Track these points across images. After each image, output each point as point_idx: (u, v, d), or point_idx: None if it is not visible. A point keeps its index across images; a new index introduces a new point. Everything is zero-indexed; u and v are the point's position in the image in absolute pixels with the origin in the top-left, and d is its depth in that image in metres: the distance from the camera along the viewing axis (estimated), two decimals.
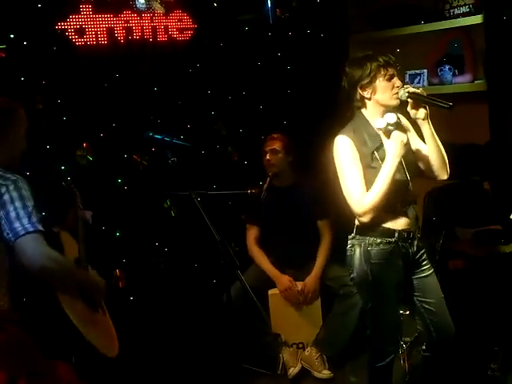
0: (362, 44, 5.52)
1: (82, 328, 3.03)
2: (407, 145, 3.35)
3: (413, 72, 5.62)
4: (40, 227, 2.80)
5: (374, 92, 3.38)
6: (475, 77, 5.37)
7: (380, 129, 3.30)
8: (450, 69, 5.44)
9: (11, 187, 2.83)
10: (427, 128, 3.40)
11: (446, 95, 5.23)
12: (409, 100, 3.35)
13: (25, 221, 2.77)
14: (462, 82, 5.41)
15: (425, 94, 3.35)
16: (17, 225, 2.76)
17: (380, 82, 3.36)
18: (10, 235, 2.76)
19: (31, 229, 2.77)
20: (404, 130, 3.36)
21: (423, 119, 3.38)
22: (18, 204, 2.81)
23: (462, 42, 5.46)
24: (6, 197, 2.82)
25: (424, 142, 3.47)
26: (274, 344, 4.64)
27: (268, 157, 4.80)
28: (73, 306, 3.08)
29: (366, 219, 3.33)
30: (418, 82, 5.60)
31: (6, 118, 3.04)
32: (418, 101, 3.34)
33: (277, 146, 4.81)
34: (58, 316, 3.02)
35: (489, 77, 5.11)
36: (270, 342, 4.63)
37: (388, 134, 3.30)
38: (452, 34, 5.48)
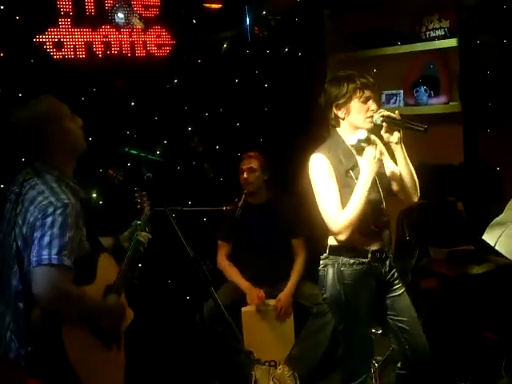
0: (339, 64, 5.57)
1: (79, 369, 2.87)
2: (380, 161, 3.37)
3: (389, 92, 5.66)
4: (67, 262, 2.74)
5: (348, 113, 3.41)
6: (450, 98, 5.43)
7: (352, 145, 3.34)
8: (425, 90, 5.49)
9: (59, 211, 2.78)
10: (400, 151, 3.43)
11: (422, 116, 5.31)
12: (383, 124, 3.37)
13: (54, 251, 2.72)
14: (437, 104, 5.47)
15: (400, 118, 3.36)
16: (44, 252, 2.71)
17: (355, 104, 3.39)
18: (34, 259, 2.71)
19: (55, 262, 2.71)
20: (375, 145, 3.37)
21: (396, 143, 3.40)
22: (56, 231, 2.75)
23: (438, 64, 5.52)
24: (49, 219, 2.76)
25: (396, 164, 3.50)
26: (246, 361, 4.63)
27: (245, 175, 4.81)
28: (77, 342, 2.92)
29: (342, 237, 3.34)
30: (394, 103, 5.65)
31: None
32: (393, 124, 3.36)
33: (253, 164, 4.83)
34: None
35: (463, 99, 5.17)
36: (243, 360, 4.62)
37: (360, 150, 3.33)
38: (428, 56, 5.55)
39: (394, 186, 3.56)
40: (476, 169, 5.07)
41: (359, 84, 3.38)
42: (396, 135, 3.38)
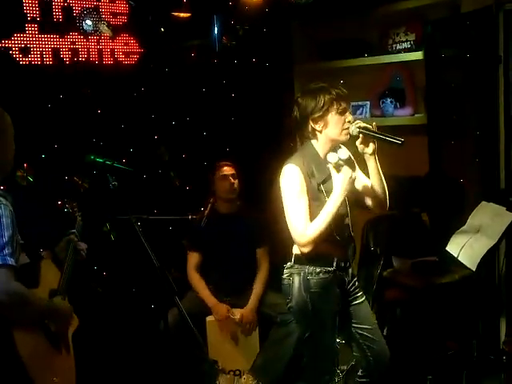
0: (306, 74, 5.61)
1: (33, 372, 2.89)
2: (354, 180, 3.39)
3: (356, 103, 5.71)
4: (10, 261, 2.72)
5: (325, 125, 3.39)
6: (416, 110, 5.50)
7: (331, 163, 3.31)
8: (391, 102, 5.55)
9: None
10: (373, 163, 3.42)
11: (388, 127, 5.35)
12: (360, 135, 3.35)
13: None
14: (402, 115, 5.53)
15: (376, 129, 3.35)
16: None
17: (332, 116, 3.37)
18: None
19: None
20: (353, 167, 3.39)
21: (370, 154, 3.39)
22: None
23: (404, 76, 5.58)
24: None
25: (367, 175, 3.51)
26: (210, 371, 4.61)
27: (232, 180, 4.80)
28: (30, 346, 2.93)
29: (305, 250, 3.35)
30: (361, 114, 5.70)
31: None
32: (369, 136, 3.35)
33: (234, 171, 4.83)
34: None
35: (428, 111, 5.22)
36: (207, 369, 4.60)
37: (338, 168, 3.31)
38: (394, 68, 5.60)
39: (364, 199, 3.58)
40: (440, 180, 5.12)
41: (335, 95, 3.37)
42: (371, 147, 3.38)
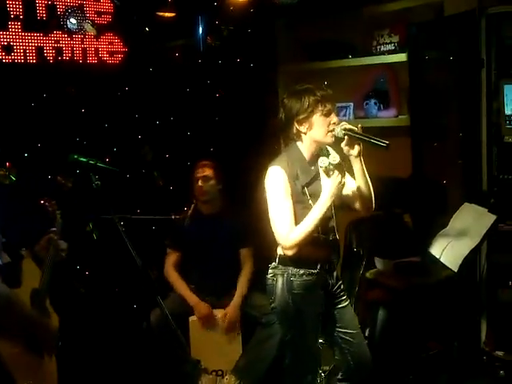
0: (290, 75, 5.62)
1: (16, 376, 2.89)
2: (343, 185, 3.37)
3: (339, 104, 5.72)
4: None
5: (310, 127, 3.38)
6: (399, 112, 5.51)
7: (321, 167, 3.30)
8: (375, 103, 5.56)
9: None
10: (359, 164, 3.40)
11: (371, 129, 5.37)
12: (345, 136, 3.33)
13: None
14: (386, 117, 5.54)
15: (361, 131, 3.33)
16: None
17: (317, 118, 3.36)
18: None
19: None
20: (343, 172, 3.36)
21: (356, 156, 3.37)
22: None
23: (388, 77, 5.60)
24: None
25: (353, 177, 3.50)
26: (193, 371, 4.60)
27: (200, 183, 4.79)
28: (9, 349, 2.92)
29: (290, 253, 3.35)
30: (345, 115, 5.72)
31: None
32: (354, 138, 3.33)
33: (208, 172, 4.81)
34: None
35: (412, 113, 5.25)
36: (190, 369, 4.59)
37: (327, 172, 3.30)
38: (378, 70, 5.62)
39: (348, 200, 3.57)
40: (422, 181, 5.14)
41: (320, 97, 3.36)
42: (356, 148, 3.35)
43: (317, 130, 3.38)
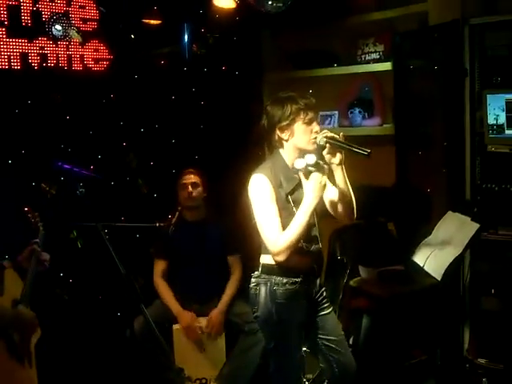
0: (276, 83, 5.63)
1: None
2: (325, 186, 3.36)
3: (324, 113, 5.74)
4: None
5: (291, 135, 3.39)
6: (384, 121, 5.54)
7: (299, 169, 3.31)
8: (360, 112, 5.59)
9: None
10: (340, 173, 3.40)
11: (356, 137, 5.38)
12: (326, 145, 3.33)
13: None
14: (371, 126, 5.57)
15: (343, 139, 3.32)
16: None
17: (299, 126, 3.37)
18: None
19: None
20: (323, 171, 3.35)
21: (338, 164, 3.37)
22: None
23: (373, 86, 5.63)
24: None
25: (334, 185, 3.49)
26: (176, 379, 4.58)
27: (190, 189, 4.79)
28: None
29: (280, 258, 3.34)
30: (329, 123, 5.73)
31: None
32: (336, 146, 3.32)
33: (196, 179, 4.83)
34: None
35: (396, 121, 5.27)
36: (173, 377, 4.58)
37: (307, 174, 3.31)
38: (363, 79, 5.64)
39: (330, 208, 3.57)
40: (406, 190, 5.16)
41: (302, 105, 3.37)
42: (338, 157, 3.35)
43: (298, 137, 3.39)
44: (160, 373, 4.52)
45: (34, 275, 3.46)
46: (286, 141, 3.42)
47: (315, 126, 3.40)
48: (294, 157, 3.43)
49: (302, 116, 3.37)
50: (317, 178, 3.30)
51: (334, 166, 3.39)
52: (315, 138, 3.36)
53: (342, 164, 3.39)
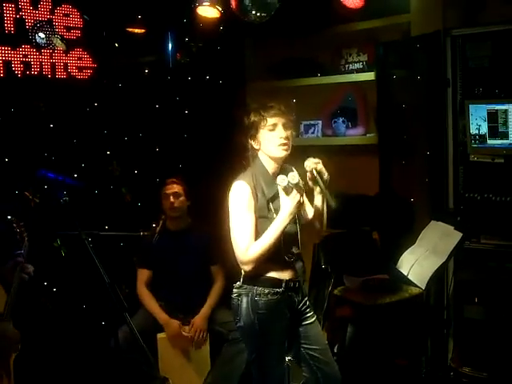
0: (259, 92, 5.64)
1: None
2: (303, 203, 3.41)
3: (308, 122, 5.76)
4: None
5: (259, 143, 3.43)
6: (367, 130, 5.57)
7: (280, 185, 3.31)
8: (343, 121, 5.61)
9: None
10: (320, 198, 3.48)
11: (339, 147, 5.42)
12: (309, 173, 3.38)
13: None
14: (354, 135, 5.60)
15: (326, 181, 3.37)
16: None
17: (263, 133, 3.40)
18: None
19: None
20: (302, 191, 3.36)
21: (318, 193, 3.47)
22: None
23: (356, 96, 5.66)
24: None
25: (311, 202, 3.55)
26: None
27: (172, 199, 4.78)
28: None
29: (247, 268, 3.35)
30: (313, 133, 5.75)
31: None
32: (315, 181, 3.38)
33: (178, 189, 4.81)
34: None
35: (379, 131, 5.30)
36: None
37: (286, 191, 3.31)
38: (346, 88, 5.67)
39: (309, 217, 3.62)
40: (390, 199, 5.18)
41: (263, 113, 3.39)
42: (319, 189, 3.43)
43: (265, 145, 3.42)
44: (145, 382, 4.49)
45: (18, 288, 3.44)
46: (258, 149, 3.46)
47: (281, 132, 3.39)
48: (271, 164, 3.45)
49: (262, 124, 3.39)
50: (296, 197, 3.31)
51: (315, 192, 3.47)
52: (285, 144, 3.38)
53: (321, 194, 3.44)
